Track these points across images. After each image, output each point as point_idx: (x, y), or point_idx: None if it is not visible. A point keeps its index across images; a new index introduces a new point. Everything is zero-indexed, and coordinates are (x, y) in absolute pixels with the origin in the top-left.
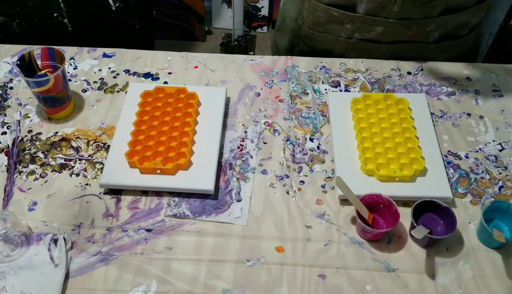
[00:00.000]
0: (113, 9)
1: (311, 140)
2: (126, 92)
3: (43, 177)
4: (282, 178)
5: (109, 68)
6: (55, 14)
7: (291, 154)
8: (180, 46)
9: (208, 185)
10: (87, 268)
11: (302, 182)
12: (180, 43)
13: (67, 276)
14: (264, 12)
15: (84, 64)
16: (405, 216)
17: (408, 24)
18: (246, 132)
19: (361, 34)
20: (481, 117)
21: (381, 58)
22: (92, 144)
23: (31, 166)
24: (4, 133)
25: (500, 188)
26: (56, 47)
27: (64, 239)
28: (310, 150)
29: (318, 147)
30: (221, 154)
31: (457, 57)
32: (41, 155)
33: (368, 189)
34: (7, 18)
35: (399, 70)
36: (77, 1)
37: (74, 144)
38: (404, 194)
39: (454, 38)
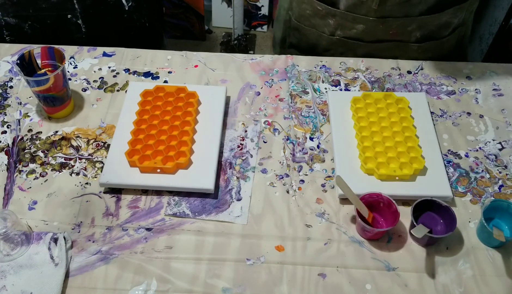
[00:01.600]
0: (126, 8)
1: (311, 139)
2: (126, 91)
3: (43, 176)
4: (282, 177)
5: (109, 67)
6: (69, 16)
7: (291, 153)
8: (180, 45)
9: (208, 184)
10: (87, 267)
11: (302, 181)
12: (180, 42)
13: (67, 275)
14: (264, 11)
15: (84, 63)
16: (405, 215)
17: (388, 22)
18: (246, 131)
19: (343, 32)
20: (481, 116)
21: (363, 56)
22: (92, 143)
23: (31, 165)
24: (4, 132)
25: (500, 187)
26: (56, 46)
27: (64, 238)
28: (310, 149)
29: (318, 146)
30: (221, 153)
31: (440, 57)
32: (41, 154)
33: (368, 188)
34: (19, 20)
35: (399, 69)
36: (91, 1)
37: (74, 143)
38: (404, 193)
39: (436, 39)
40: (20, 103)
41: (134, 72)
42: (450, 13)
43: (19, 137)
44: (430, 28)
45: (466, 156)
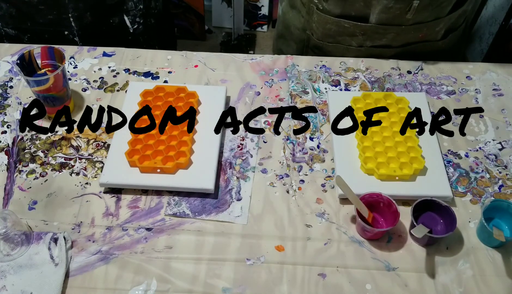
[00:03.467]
0: (131, 31)
1: (311, 139)
2: (126, 91)
3: (43, 176)
4: (282, 177)
5: (109, 67)
6: (66, 32)
7: (291, 153)
8: (180, 45)
9: (208, 184)
10: (87, 267)
11: (302, 181)
12: (180, 42)
13: (67, 275)
14: (264, 11)
15: (84, 63)
16: (405, 215)
17: (419, 27)
18: (246, 131)
19: (372, 42)
20: (481, 116)
21: (380, 60)
22: (92, 143)
23: (31, 165)
24: (4, 132)
25: (500, 187)
26: (56, 46)
27: (64, 238)
28: (310, 149)
29: (318, 146)
30: (221, 153)
31: (456, 44)
32: (41, 154)
33: (368, 188)
34: (18, 32)
35: (399, 69)
36: (89, 21)
37: (74, 143)
38: (404, 193)
39: (456, 30)
40: (20, 103)
41: (134, 72)
42: (468, 2)
43: (19, 137)
44: (452, 22)
45: (466, 156)
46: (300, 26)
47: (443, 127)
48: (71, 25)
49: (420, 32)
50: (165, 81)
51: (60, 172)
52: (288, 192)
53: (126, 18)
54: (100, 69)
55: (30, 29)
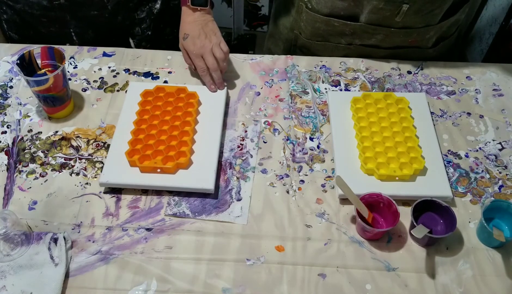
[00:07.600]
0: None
1: (311, 139)
2: (126, 91)
3: (43, 176)
4: (282, 177)
5: (109, 67)
6: (67, 44)
7: (291, 153)
8: None
9: (208, 184)
10: (87, 267)
11: (302, 181)
12: None
13: (67, 275)
14: (264, 11)
15: (84, 63)
16: (405, 215)
17: (409, 32)
18: (246, 131)
19: (361, 40)
20: (481, 116)
21: (380, 60)
22: (92, 143)
23: (31, 165)
24: (4, 132)
25: (500, 187)
26: (56, 46)
27: (64, 238)
28: (310, 149)
29: (318, 146)
30: (221, 153)
31: (447, 52)
32: (41, 154)
33: (368, 188)
34: (22, 38)
35: (399, 69)
36: (91, 38)
37: (74, 143)
38: (404, 193)
39: (447, 38)
40: (20, 103)
41: (134, 72)
42: (461, 11)
43: (19, 137)
44: (443, 31)
45: (466, 156)
46: (289, 25)
47: (443, 124)
48: (72, 39)
49: (409, 37)
50: (165, 81)
51: (60, 172)
52: (288, 192)
53: (131, 40)
54: (100, 69)
55: (33, 37)
